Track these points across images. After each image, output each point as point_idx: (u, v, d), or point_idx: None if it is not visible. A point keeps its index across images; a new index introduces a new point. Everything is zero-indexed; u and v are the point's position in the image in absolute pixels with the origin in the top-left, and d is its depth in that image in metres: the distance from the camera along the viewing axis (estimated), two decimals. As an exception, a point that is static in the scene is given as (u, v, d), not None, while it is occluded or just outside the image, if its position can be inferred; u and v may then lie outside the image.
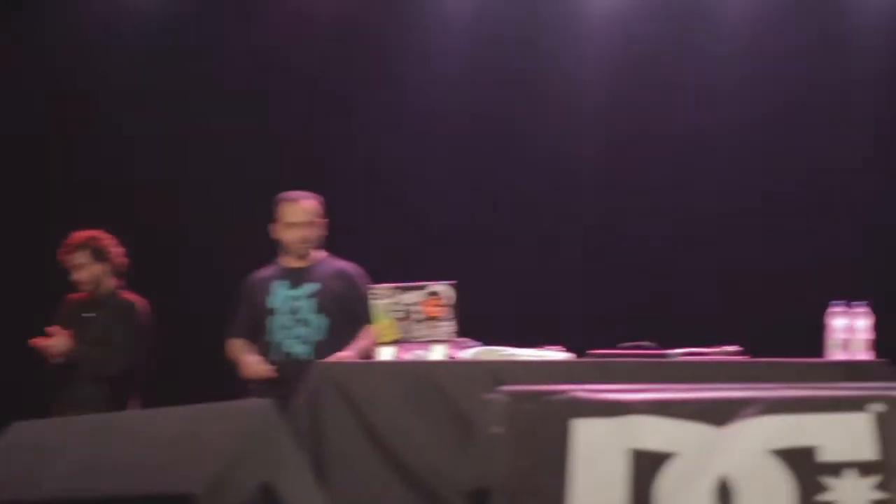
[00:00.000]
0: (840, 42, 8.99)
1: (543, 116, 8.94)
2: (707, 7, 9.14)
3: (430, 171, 8.85)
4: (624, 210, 8.93)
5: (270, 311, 6.35)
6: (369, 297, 6.30)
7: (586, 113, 8.97)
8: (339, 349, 6.25)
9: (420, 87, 9.03)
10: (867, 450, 2.78)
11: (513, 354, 5.56)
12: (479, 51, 9.07)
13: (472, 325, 5.79)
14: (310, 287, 6.42)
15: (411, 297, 5.71)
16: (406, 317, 5.69)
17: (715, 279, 8.67)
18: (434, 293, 5.67)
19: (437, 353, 5.58)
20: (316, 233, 6.49)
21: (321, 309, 6.38)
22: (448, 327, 5.62)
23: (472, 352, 5.57)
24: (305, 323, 6.39)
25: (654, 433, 2.85)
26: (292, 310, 6.38)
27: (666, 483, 2.78)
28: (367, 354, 6.15)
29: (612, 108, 8.96)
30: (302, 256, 6.46)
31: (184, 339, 7.49)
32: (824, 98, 8.80)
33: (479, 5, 9.17)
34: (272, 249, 6.63)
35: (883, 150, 8.90)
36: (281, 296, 6.41)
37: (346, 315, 6.41)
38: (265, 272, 6.50)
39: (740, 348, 5.65)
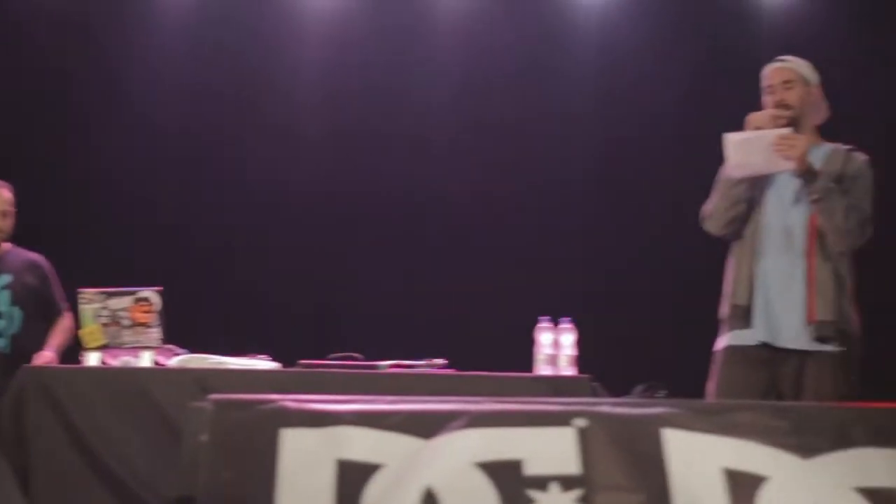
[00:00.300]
0: (552, 45, 9.19)
1: (258, 117, 8.90)
2: (421, 8, 9.25)
3: (137, 170, 8.72)
4: (335, 219, 8.95)
5: (-34, 303, 6.21)
6: (55, 285, 6.27)
7: (300, 115, 8.97)
8: (35, 342, 6.17)
9: (133, 84, 8.91)
10: (571, 464, 2.82)
11: (220, 362, 5.52)
12: (195, 48, 8.99)
13: (178, 332, 5.72)
14: (3, 279, 6.28)
15: (119, 302, 5.62)
16: (113, 322, 5.59)
17: (424, 292, 8.75)
18: (142, 299, 5.58)
19: (145, 359, 5.51)
20: (9, 223, 6.37)
21: (16, 301, 6.25)
22: (155, 333, 5.55)
23: (180, 359, 5.51)
24: (0, 316, 6.25)
25: (362, 444, 2.84)
26: (-12, 302, 6.25)
27: (372, 494, 2.77)
28: (65, 347, 6.12)
29: (330, 109, 8.99)
30: None
31: None
32: (542, 108, 8.98)
33: (200, 4, 9.09)
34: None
35: (595, 163, 9.14)
36: (-26, 287, 6.27)
37: (40, 307, 6.34)
38: (-46, 262, 6.36)
39: (446, 361, 5.72)
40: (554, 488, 2.80)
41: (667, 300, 8.50)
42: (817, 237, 5.50)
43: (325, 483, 2.77)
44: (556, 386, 5.50)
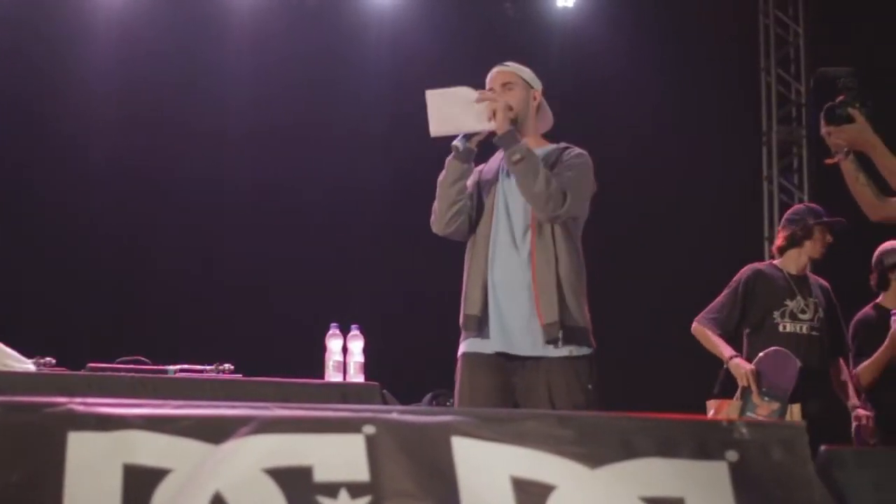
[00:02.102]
0: (341, 54, 9.24)
1: (59, 117, 8.77)
2: (213, 12, 9.21)
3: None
4: (118, 222, 8.84)
5: None
6: None
7: (97, 113, 8.86)
8: None
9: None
10: (360, 471, 2.84)
11: (5, 365, 5.42)
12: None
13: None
14: None
15: None
16: None
17: (212, 296, 8.69)
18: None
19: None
20: None
21: None
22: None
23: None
24: None
25: (150, 449, 2.81)
26: None
27: (161, 499, 2.75)
28: None
29: (128, 111, 8.88)
30: None
31: None
32: (340, 118, 9.00)
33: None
34: None
35: (388, 172, 9.21)
36: None
37: None
38: None
39: (233, 366, 5.71)
40: (343, 495, 2.81)
41: (455, 309, 8.59)
42: (537, 234, 5.57)
43: (112, 488, 2.74)
44: (346, 393, 5.52)
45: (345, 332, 5.99)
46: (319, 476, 2.83)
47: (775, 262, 7.62)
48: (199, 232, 9.04)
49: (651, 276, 9.93)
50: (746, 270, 7.57)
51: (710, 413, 7.08)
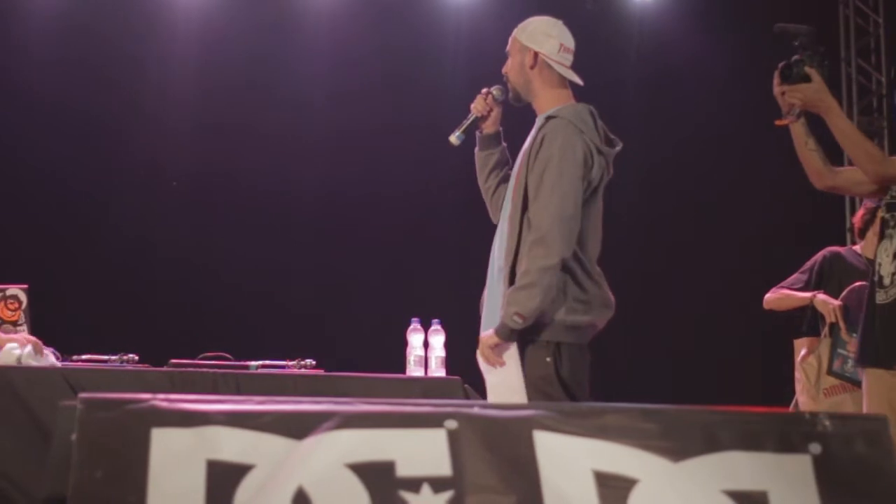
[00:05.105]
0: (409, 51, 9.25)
1: (127, 119, 8.82)
2: (294, 12, 9.24)
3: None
4: (203, 219, 8.90)
5: None
6: None
7: (168, 118, 8.92)
8: None
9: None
10: (443, 466, 2.84)
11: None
12: (67, 43, 8.92)
13: (45, 331, 5.65)
14: None
15: (-15, 299, 5.54)
16: (-21, 320, 5.53)
17: (294, 292, 8.73)
18: (9, 297, 5.52)
19: (11, 357, 5.43)
20: None
21: None
22: (23, 332, 5.49)
23: (49, 358, 5.46)
24: None
25: (233, 445, 2.83)
26: None
27: (244, 495, 2.76)
28: None
29: (199, 113, 8.92)
30: None
31: None
32: (418, 112, 9.00)
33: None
34: None
35: (468, 167, 9.20)
36: None
37: None
38: None
39: (315, 362, 5.74)
40: (426, 490, 2.81)
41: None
42: (511, 223, 5.34)
43: (196, 483, 2.75)
44: (427, 387, 5.53)
45: (426, 326, 6.00)
46: (402, 471, 2.83)
47: (855, 247, 7.53)
48: (280, 229, 9.08)
49: (729, 265, 9.86)
50: (824, 251, 7.47)
51: (802, 353, 7.00)
